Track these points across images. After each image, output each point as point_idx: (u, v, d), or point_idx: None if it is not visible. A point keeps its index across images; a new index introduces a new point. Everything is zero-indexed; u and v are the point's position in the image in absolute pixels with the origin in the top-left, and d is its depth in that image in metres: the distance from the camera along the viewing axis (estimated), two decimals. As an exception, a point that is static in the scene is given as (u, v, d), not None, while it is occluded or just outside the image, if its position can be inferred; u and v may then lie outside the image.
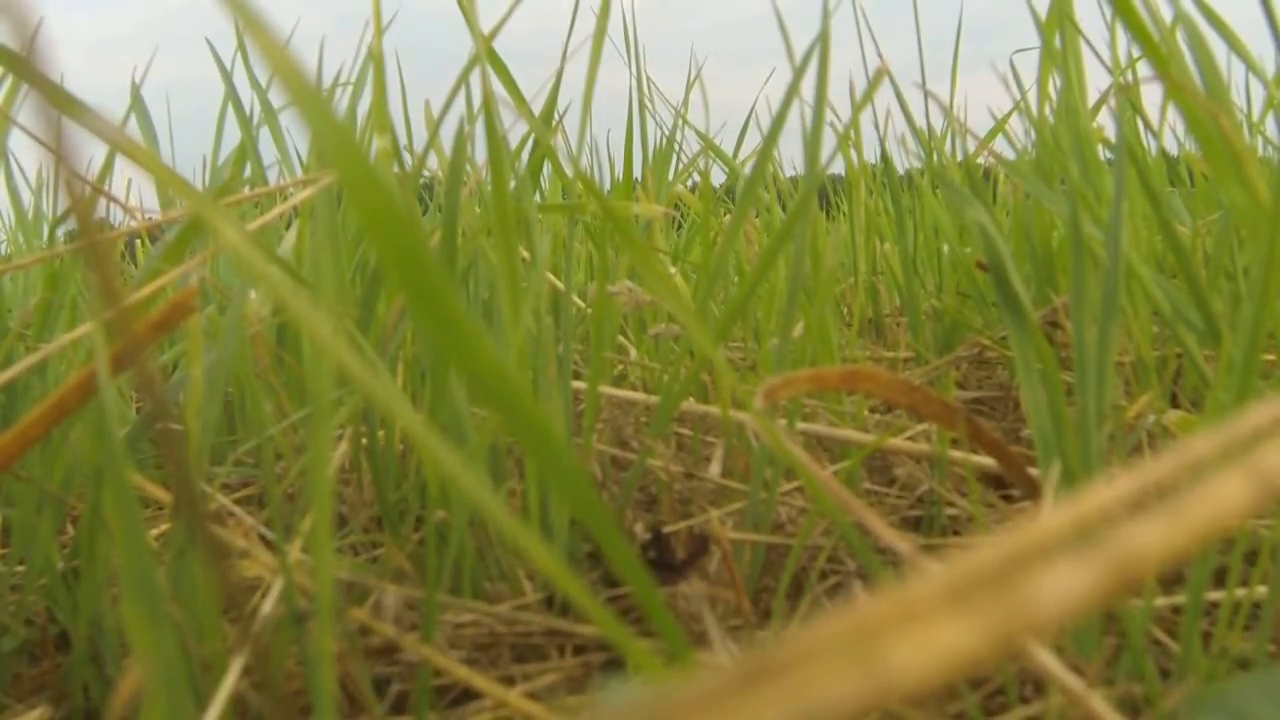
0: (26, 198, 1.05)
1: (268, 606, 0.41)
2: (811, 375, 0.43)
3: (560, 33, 0.74)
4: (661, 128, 1.28)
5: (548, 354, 0.54)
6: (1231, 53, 0.72)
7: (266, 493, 0.66)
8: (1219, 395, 0.46)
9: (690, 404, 0.69)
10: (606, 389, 0.73)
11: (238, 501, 0.66)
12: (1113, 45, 0.90)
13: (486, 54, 0.59)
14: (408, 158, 0.76)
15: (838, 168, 1.37)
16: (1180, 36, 0.62)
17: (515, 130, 0.75)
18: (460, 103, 0.64)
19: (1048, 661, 0.31)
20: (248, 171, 0.93)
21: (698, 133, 1.26)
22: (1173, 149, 1.05)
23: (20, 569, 0.50)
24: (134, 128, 0.94)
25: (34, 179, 1.08)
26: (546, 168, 0.95)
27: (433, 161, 0.78)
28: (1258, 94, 1.27)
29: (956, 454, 0.58)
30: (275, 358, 0.69)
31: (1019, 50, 1.06)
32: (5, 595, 0.49)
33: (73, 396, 0.38)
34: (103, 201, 0.70)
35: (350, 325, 0.54)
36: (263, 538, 0.55)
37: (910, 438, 0.65)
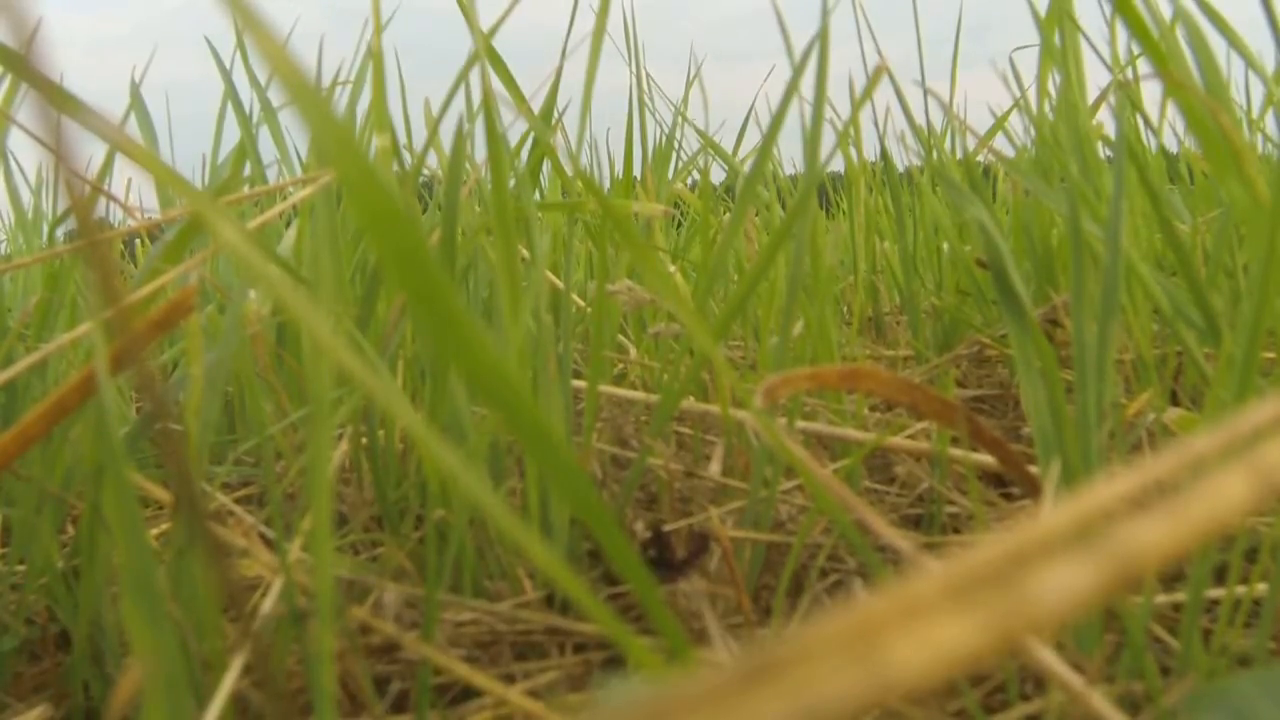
0: (26, 197, 1.05)
1: (268, 605, 0.41)
2: (811, 374, 0.43)
3: (560, 30, 0.74)
4: (661, 126, 1.28)
5: (547, 353, 0.54)
6: (1231, 49, 0.72)
7: (266, 492, 0.66)
8: (1219, 393, 0.46)
9: (690, 403, 0.69)
10: (606, 388, 0.73)
11: (238, 501, 0.66)
12: (1112, 42, 0.90)
13: (486, 52, 0.59)
14: (407, 156, 0.76)
15: (837, 165, 1.37)
16: (1180, 33, 0.62)
17: (515, 128, 0.75)
18: (460, 101, 0.64)
19: (1048, 659, 0.31)
20: (247, 170, 0.93)
21: (697, 130, 1.26)
22: (1172, 146, 1.05)
23: (20, 568, 0.50)
24: (133, 127, 0.94)
25: (34, 178, 1.08)
26: (546, 166, 0.95)
27: (432, 160, 0.78)
28: (1257, 91, 1.27)
29: (956, 452, 0.58)
30: (275, 357, 0.69)
31: (1018, 47, 1.06)
32: (6, 594, 0.49)
33: (73, 396, 0.38)
34: (102, 201, 0.70)
35: (350, 324, 0.54)
36: (263, 537, 0.55)
37: (910, 436, 0.65)
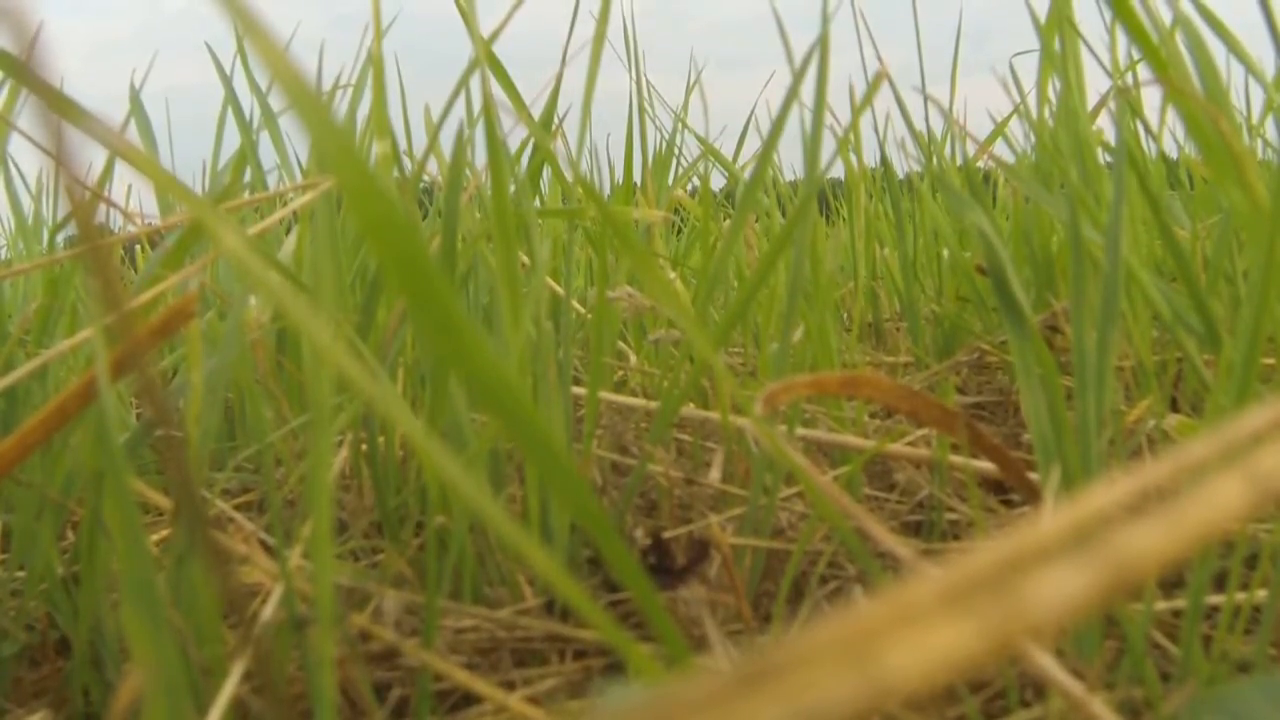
0: (26, 203, 1.05)
1: (268, 612, 0.41)
2: (811, 380, 0.43)
3: (560, 36, 0.74)
4: (661, 132, 1.28)
5: (547, 359, 0.54)
6: (1231, 55, 0.73)
7: (266, 498, 0.66)
8: (1219, 399, 0.46)
9: (690, 409, 0.69)
10: (606, 395, 0.73)
11: (238, 507, 0.66)
12: (1112, 48, 0.91)
13: (486, 58, 0.59)
14: (407, 162, 0.76)
15: (837, 172, 1.37)
16: (1179, 39, 0.63)
17: (515, 134, 0.75)
18: (460, 107, 0.64)
19: (1048, 665, 0.31)
20: (247, 176, 0.93)
21: (697, 137, 1.26)
22: (1172, 152, 1.05)
23: (20, 574, 0.50)
24: (134, 133, 0.94)
25: (34, 184, 1.08)
26: (546, 172, 0.95)
27: (432, 166, 0.78)
28: (1257, 97, 1.27)
29: (956, 459, 0.58)
30: (275, 363, 0.69)
31: (1018, 53, 1.06)
32: (6, 600, 0.49)
33: (73, 402, 0.38)
34: (102, 207, 0.70)
35: (350, 331, 0.54)
36: (263, 543, 0.55)
37: (910, 443, 0.65)
